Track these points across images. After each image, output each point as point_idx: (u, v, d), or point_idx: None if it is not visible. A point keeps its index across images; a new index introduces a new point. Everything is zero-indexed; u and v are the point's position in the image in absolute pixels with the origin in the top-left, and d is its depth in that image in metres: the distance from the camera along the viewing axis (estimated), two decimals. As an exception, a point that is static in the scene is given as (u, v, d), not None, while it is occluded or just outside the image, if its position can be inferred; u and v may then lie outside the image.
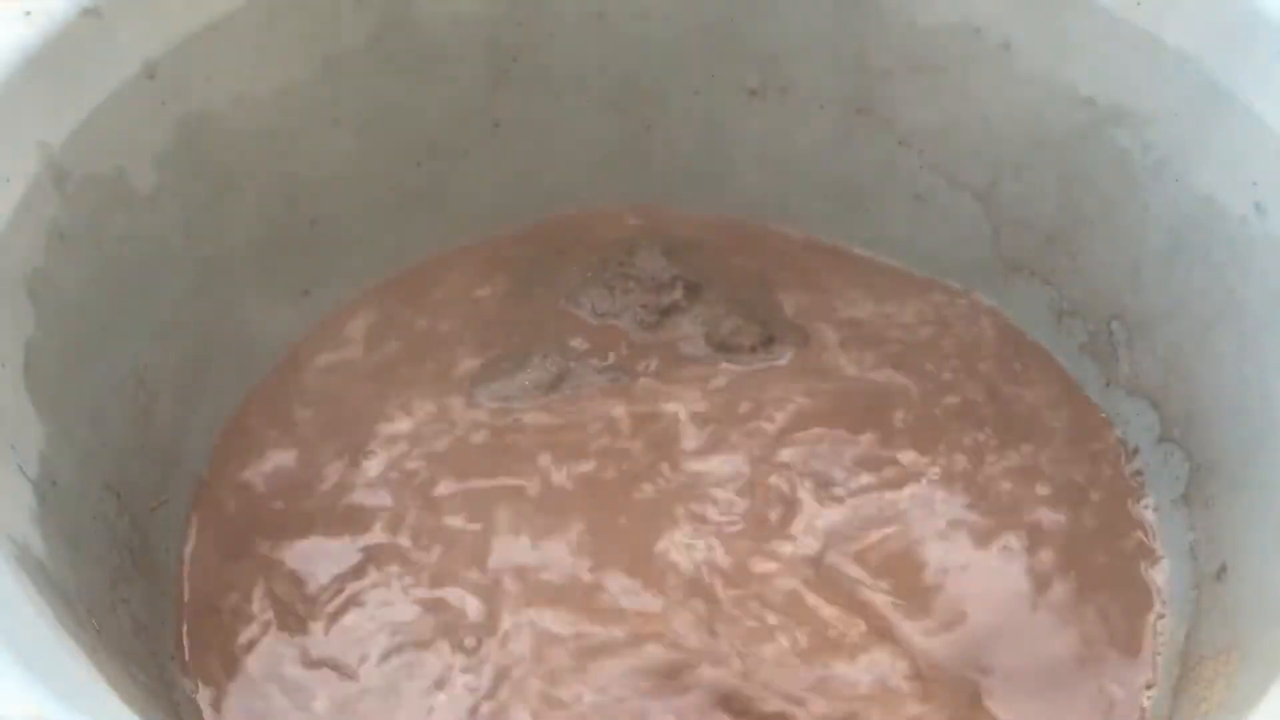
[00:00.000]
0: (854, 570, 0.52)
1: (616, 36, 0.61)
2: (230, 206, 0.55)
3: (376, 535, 0.53)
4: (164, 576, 0.52)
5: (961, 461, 0.56)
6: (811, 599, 0.51)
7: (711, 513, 0.53)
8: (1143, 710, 0.49)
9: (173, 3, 0.50)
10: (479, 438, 0.55)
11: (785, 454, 0.55)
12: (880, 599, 0.51)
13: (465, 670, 0.49)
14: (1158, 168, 0.53)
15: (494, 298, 0.61)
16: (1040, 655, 0.50)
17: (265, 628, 0.51)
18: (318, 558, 0.53)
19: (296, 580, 0.52)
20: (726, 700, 0.47)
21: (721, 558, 0.52)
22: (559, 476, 0.54)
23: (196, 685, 0.49)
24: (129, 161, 0.50)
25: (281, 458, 0.56)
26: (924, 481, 0.55)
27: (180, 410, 0.55)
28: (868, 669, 0.49)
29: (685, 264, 0.63)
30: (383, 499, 0.54)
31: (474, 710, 0.48)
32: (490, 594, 0.50)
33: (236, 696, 0.49)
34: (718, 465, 0.55)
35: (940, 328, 0.61)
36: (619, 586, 0.51)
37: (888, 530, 0.53)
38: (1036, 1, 0.55)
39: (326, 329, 0.60)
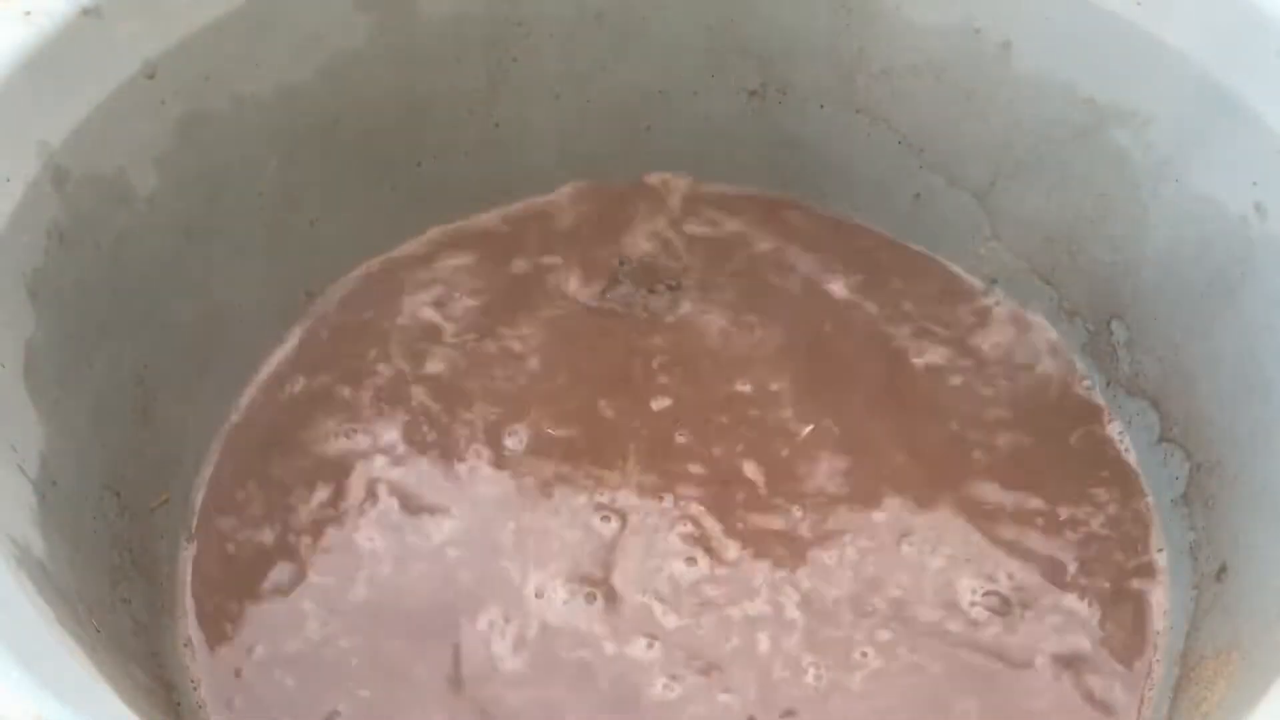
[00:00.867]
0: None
1: (616, 37, 0.61)
2: (230, 206, 0.55)
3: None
4: (164, 576, 0.52)
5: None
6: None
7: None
8: (1142, 710, 0.49)
9: (172, 2, 0.50)
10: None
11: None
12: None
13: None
14: (1158, 168, 0.53)
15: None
16: (1040, 655, 0.50)
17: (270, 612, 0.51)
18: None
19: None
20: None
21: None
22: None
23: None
24: (129, 161, 0.50)
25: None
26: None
27: (180, 410, 0.55)
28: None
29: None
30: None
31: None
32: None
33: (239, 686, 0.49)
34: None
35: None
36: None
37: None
38: (1036, 1, 0.55)
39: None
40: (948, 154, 0.61)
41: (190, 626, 0.51)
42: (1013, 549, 0.54)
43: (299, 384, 0.58)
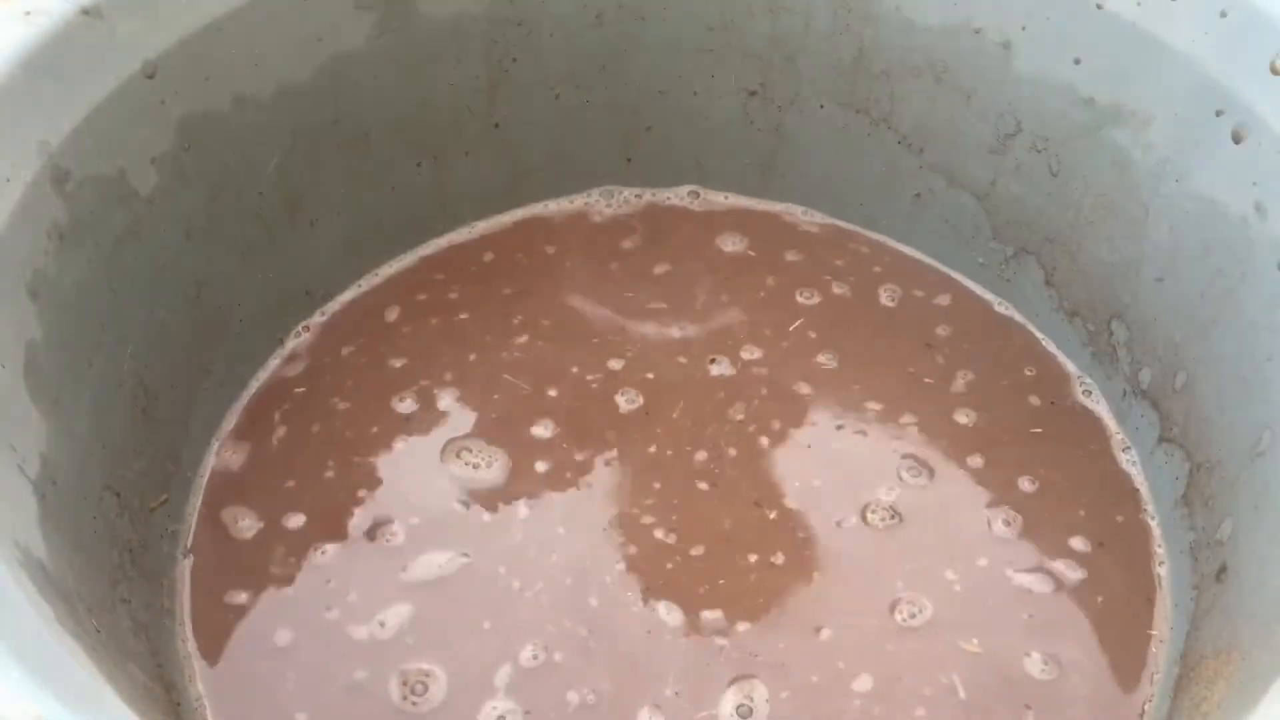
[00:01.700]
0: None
1: (615, 38, 0.61)
2: (230, 207, 0.55)
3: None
4: (163, 577, 0.52)
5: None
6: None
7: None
8: (1143, 711, 0.49)
9: (172, 3, 0.50)
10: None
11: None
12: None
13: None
14: (1158, 168, 0.53)
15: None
16: (1039, 657, 0.50)
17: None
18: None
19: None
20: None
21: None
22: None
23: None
24: (129, 161, 0.50)
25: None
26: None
27: (180, 410, 0.55)
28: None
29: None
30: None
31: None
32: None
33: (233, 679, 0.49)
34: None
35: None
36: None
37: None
38: (1036, 2, 0.55)
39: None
40: (948, 154, 0.61)
41: (189, 627, 0.51)
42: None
43: (299, 384, 0.58)
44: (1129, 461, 0.57)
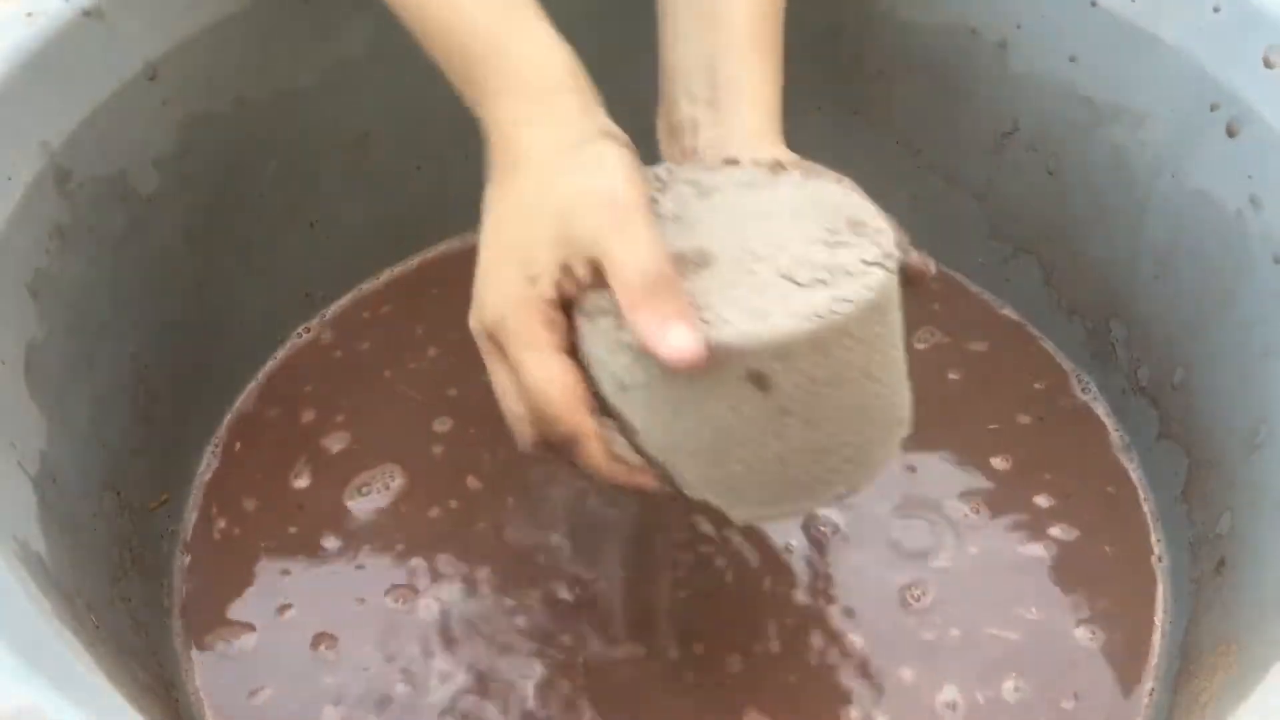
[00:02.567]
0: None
1: (615, 39, 0.61)
2: (230, 208, 0.56)
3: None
4: (163, 575, 0.52)
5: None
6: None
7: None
8: (1145, 704, 0.49)
9: (174, 5, 0.51)
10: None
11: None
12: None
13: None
14: (1154, 164, 0.53)
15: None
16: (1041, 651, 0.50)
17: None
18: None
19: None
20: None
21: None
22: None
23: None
24: (130, 162, 0.51)
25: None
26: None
27: (180, 410, 0.55)
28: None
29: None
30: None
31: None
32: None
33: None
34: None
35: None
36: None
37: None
38: (1032, 1, 0.55)
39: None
40: (945, 155, 0.61)
41: (188, 625, 0.51)
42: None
43: (299, 384, 0.59)
44: (1128, 458, 0.57)
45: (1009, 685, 0.49)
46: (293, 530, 0.54)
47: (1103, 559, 0.53)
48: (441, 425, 0.57)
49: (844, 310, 0.37)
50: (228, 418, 0.58)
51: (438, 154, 0.62)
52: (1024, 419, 0.58)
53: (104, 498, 0.49)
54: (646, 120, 0.64)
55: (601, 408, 0.40)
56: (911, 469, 0.56)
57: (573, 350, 0.39)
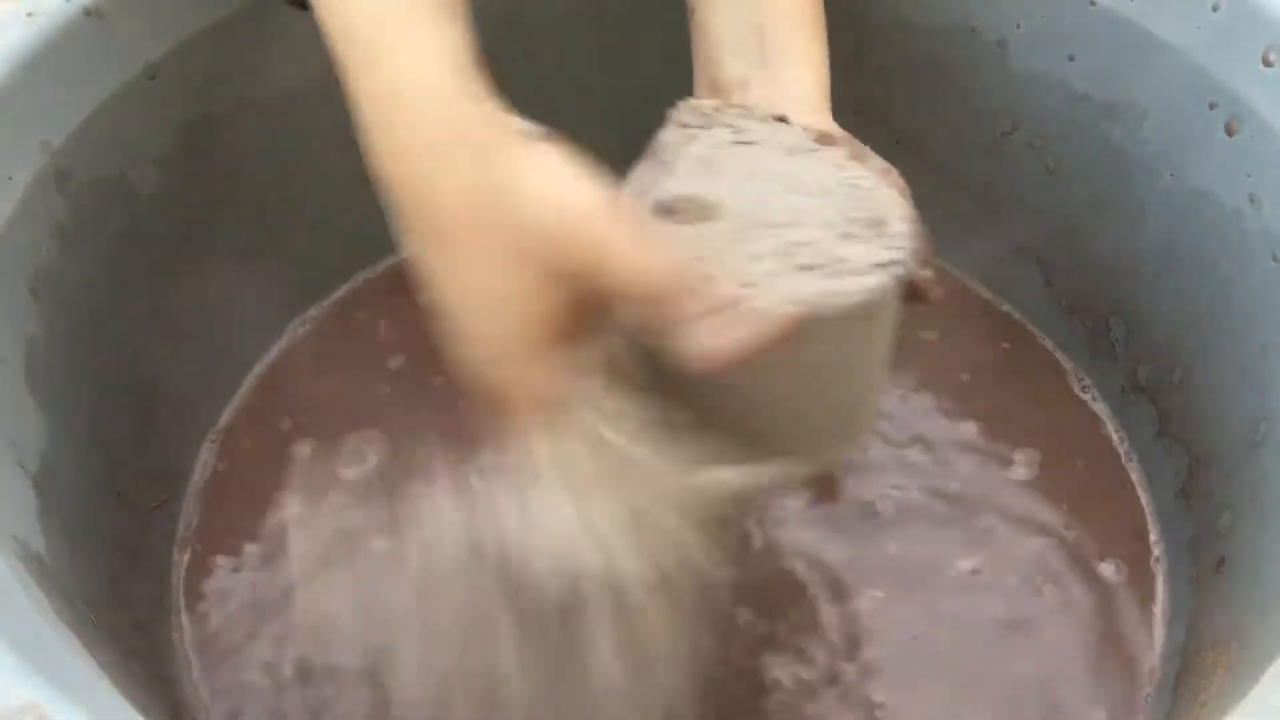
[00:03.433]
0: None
1: (614, 40, 0.61)
2: (230, 209, 0.56)
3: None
4: (162, 575, 0.52)
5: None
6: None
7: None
8: (1144, 702, 0.49)
9: (174, 5, 0.51)
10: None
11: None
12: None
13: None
14: (1153, 163, 0.53)
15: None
16: (1042, 650, 0.50)
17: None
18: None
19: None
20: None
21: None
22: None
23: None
24: (130, 162, 0.51)
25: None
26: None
27: (180, 410, 0.55)
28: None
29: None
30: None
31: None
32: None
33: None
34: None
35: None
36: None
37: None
38: (1033, 1, 0.55)
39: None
40: (945, 153, 0.61)
41: (188, 625, 0.51)
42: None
43: (299, 383, 0.59)
44: (1128, 456, 0.57)
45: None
46: (297, 530, 0.54)
47: (1102, 558, 0.53)
48: (444, 422, 0.57)
49: (825, 305, 0.35)
50: (227, 416, 0.58)
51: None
52: (1024, 418, 0.58)
53: (103, 497, 0.49)
54: (648, 119, 0.64)
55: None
56: (910, 464, 0.56)
57: None
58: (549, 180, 0.36)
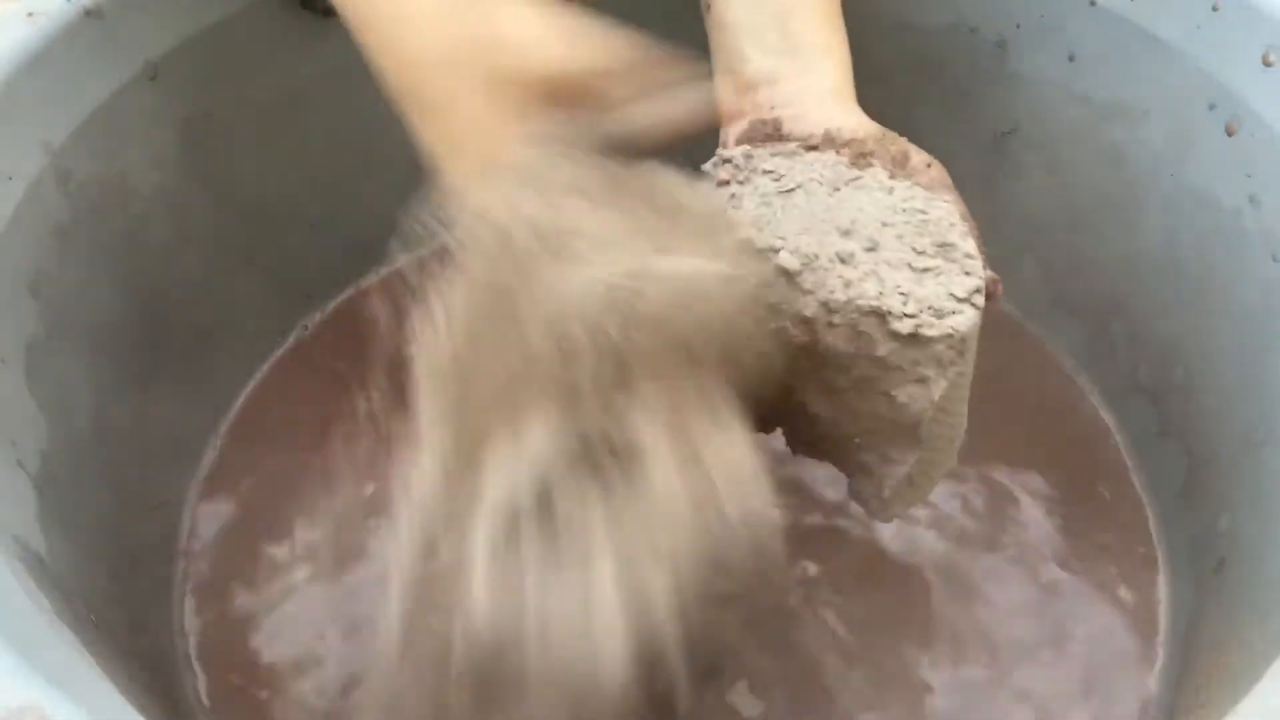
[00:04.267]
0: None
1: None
2: (231, 208, 0.56)
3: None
4: (162, 575, 0.52)
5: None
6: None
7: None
8: (1146, 701, 0.49)
9: (174, 5, 0.51)
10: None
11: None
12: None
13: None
14: (1152, 163, 0.53)
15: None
16: (1043, 650, 0.50)
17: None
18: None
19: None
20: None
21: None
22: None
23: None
24: (131, 162, 0.51)
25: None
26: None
27: (180, 410, 0.55)
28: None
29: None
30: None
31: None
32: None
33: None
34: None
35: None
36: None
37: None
38: (1033, 1, 0.55)
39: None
40: (945, 155, 0.61)
41: (187, 625, 0.51)
42: (1012, 546, 0.54)
43: (298, 383, 0.59)
44: (1128, 457, 0.57)
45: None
46: (296, 530, 0.54)
47: (1102, 558, 0.53)
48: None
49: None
50: (227, 417, 0.58)
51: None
52: (1024, 419, 0.58)
53: (104, 498, 0.49)
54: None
55: None
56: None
57: None
58: (519, 28, 0.40)
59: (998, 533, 0.54)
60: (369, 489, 0.55)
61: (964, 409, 0.40)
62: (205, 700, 0.49)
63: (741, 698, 0.48)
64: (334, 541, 0.54)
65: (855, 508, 0.52)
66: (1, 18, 0.47)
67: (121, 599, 0.47)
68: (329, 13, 0.52)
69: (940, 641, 0.50)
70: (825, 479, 0.55)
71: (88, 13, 0.48)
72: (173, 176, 0.52)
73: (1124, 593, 0.52)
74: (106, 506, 0.49)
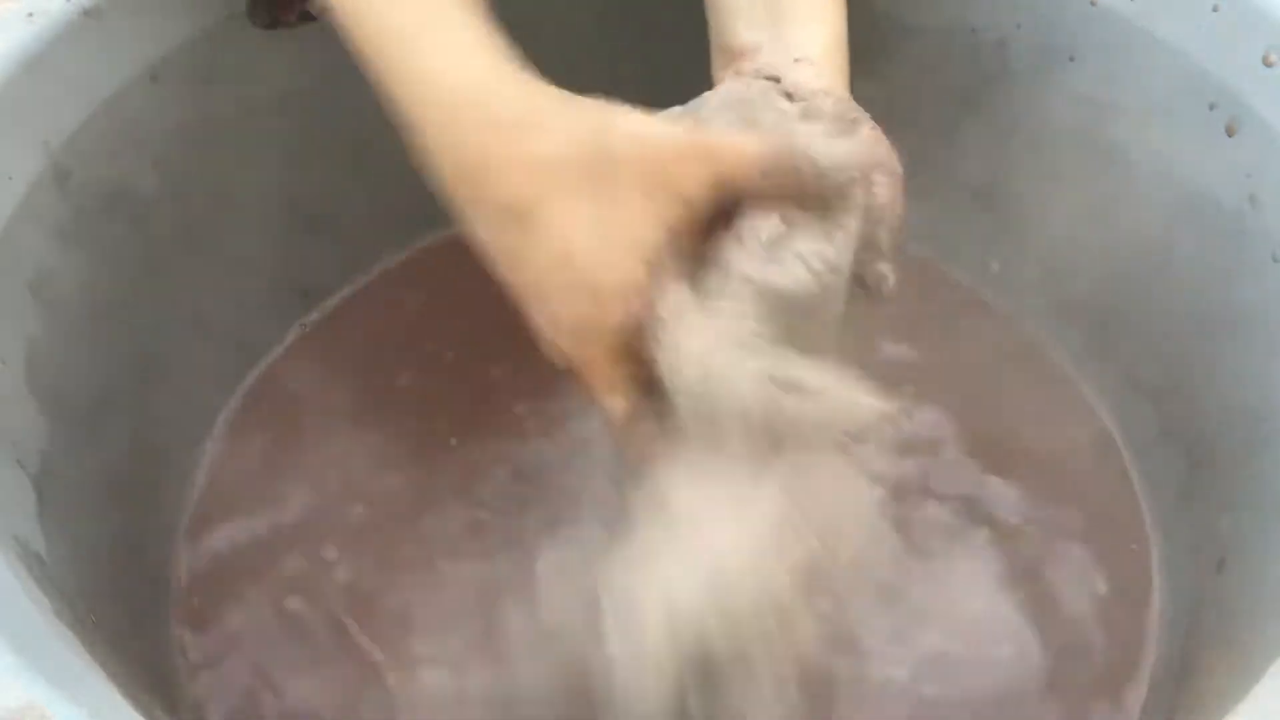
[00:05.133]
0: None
1: (619, 42, 0.61)
2: (230, 208, 0.56)
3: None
4: (161, 574, 0.52)
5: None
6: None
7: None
8: (1144, 703, 0.49)
9: (174, 5, 0.51)
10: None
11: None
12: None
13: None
14: (1153, 163, 0.53)
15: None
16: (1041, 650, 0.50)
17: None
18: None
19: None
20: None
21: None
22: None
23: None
24: (131, 162, 0.51)
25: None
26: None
27: (179, 409, 0.55)
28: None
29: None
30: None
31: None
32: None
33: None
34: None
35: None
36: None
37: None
38: (1032, 1, 0.55)
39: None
40: (945, 154, 0.61)
41: (188, 625, 0.51)
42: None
43: (298, 382, 0.59)
44: (1128, 458, 0.57)
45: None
46: (294, 529, 0.54)
47: (1102, 559, 0.53)
48: (446, 419, 0.57)
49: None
50: (227, 416, 0.58)
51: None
52: (1023, 419, 0.58)
53: (104, 498, 0.49)
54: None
55: None
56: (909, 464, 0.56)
57: None
58: (630, 120, 0.39)
59: (996, 532, 0.54)
60: (369, 489, 0.55)
61: None
62: (205, 700, 0.49)
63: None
64: (335, 539, 0.54)
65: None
66: (1, 18, 0.47)
67: (121, 599, 0.47)
68: (306, 17, 0.51)
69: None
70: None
71: (88, 13, 0.48)
72: (173, 177, 0.52)
73: (1123, 593, 0.52)
74: (106, 507, 0.49)
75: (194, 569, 0.53)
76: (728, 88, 0.43)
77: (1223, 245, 0.50)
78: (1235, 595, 0.47)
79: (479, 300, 0.61)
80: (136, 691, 0.40)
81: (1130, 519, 0.55)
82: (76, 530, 0.45)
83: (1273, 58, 0.47)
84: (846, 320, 0.42)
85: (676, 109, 0.43)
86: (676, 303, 0.38)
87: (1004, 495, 0.55)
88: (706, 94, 0.44)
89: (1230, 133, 0.49)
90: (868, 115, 0.43)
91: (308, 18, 0.52)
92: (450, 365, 0.59)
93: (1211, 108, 0.50)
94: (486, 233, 0.39)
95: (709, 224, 0.39)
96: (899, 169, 0.42)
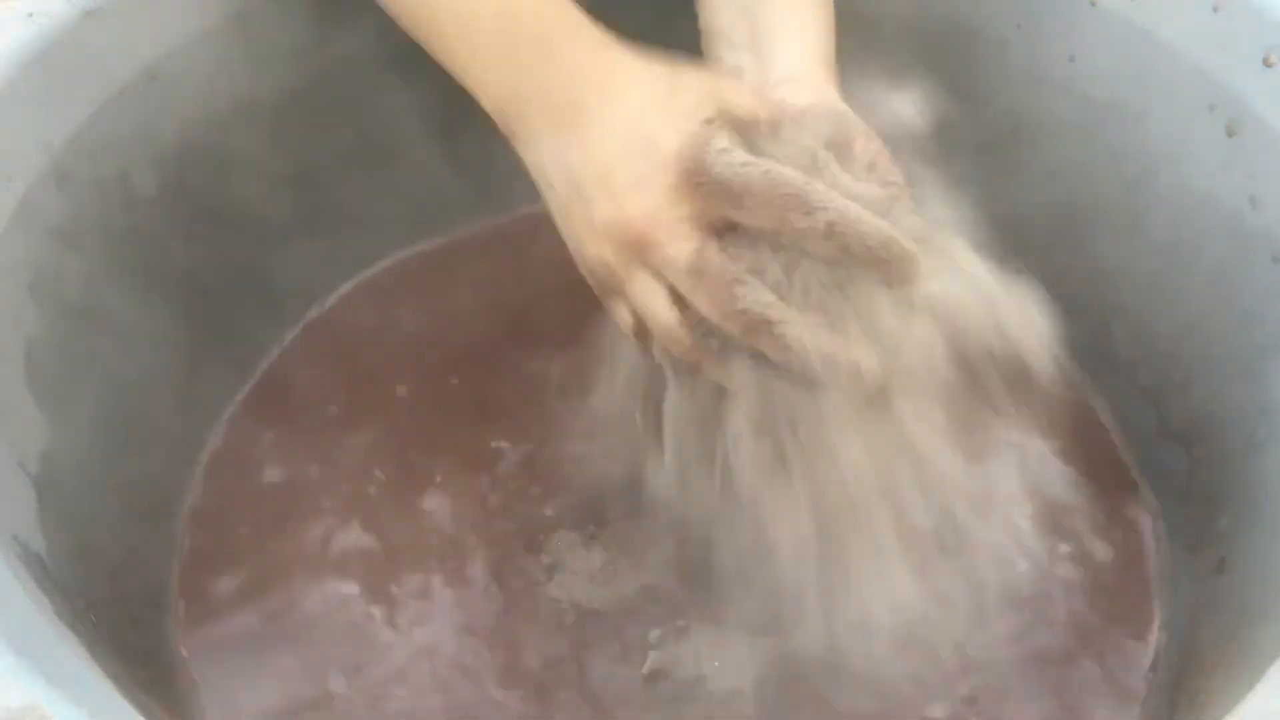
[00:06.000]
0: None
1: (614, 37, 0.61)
2: (230, 208, 0.56)
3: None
4: (162, 574, 0.52)
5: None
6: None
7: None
8: (1143, 703, 0.49)
9: (174, 5, 0.51)
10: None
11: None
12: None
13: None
14: (1153, 164, 0.53)
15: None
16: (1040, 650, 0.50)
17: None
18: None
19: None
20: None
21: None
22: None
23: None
24: (130, 162, 0.51)
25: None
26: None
27: (180, 409, 0.55)
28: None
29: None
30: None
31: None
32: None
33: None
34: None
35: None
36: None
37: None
38: (1032, 1, 0.55)
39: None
40: (945, 154, 0.61)
41: (188, 625, 0.51)
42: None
43: (298, 382, 0.59)
44: (1128, 458, 0.57)
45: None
46: (294, 529, 0.54)
47: (1102, 559, 0.53)
48: (448, 421, 0.57)
49: None
50: (227, 416, 0.57)
51: (438, 154, 0.62)
52: (1023, 420, 0.58)
53: (103, 497, 0.49)
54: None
55: None
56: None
57: None
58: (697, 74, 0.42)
59: (991, 534, 0.54)
60: (369, 490, 0.55)
61: None
62: (205, 700, 0.49)
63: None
64: (335, 538, 0.54)
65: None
66: (1, 18, 0.47)
67: (121, 599, 0.47)
68: None
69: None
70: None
71: (88, 13, 0.48)
72: (173, 176, 0.52)
73: (1123, 592, 0.52)
74: (106, 506, 0.49)
75: (194, 569, 0.53)
76: None
77: (1223, 245, 0.50)
78: (1235, 595, 0.47)
79: (479, 301, 0.62)
80: (136, 691, 0.40)
81: (1130, 518, 0.55)
82: (76, 531, 0.45)
83: (1273, 58, 0.47)
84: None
85: None
86: (732, 139, 0.40)
87: (1002, 494, 0.55)
88: None
89: (1230, 133, 0.49)
90: (863, 124, 0.43)
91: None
92: (450, 366, 0.59)
93: (1211, 108, 0.50)
94: (543, 121, 0.42)
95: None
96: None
